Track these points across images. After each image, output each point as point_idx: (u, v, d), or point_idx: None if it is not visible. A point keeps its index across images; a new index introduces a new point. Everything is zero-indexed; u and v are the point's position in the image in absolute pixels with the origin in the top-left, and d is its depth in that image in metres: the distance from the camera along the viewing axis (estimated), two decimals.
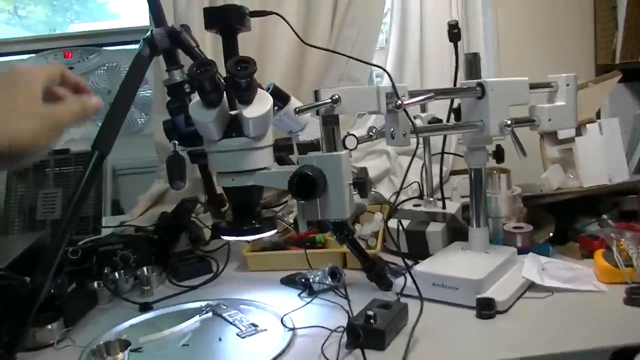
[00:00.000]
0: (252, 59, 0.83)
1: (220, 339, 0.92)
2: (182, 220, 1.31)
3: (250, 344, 0.89)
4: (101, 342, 0.87)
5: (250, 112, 0.85)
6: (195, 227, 1.39)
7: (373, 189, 1.56)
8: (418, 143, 0.92)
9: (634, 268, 0.98)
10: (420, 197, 1.45)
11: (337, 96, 0.85)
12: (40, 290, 0.86)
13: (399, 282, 1.03)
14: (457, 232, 1.23)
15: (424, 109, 1.31)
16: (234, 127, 0.88)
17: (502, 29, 1.80)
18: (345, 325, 0.85)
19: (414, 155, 0.94)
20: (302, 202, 0.88)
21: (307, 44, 1.02)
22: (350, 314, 0.91)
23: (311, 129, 1.14)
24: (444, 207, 1.33)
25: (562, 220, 1.25)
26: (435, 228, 1.22)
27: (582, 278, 1.02)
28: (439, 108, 1.25)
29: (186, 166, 1.07)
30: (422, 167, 1.37)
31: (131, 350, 0.86)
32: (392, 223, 1.20)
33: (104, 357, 0.85)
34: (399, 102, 0.86)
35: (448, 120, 1.22)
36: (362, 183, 0.87)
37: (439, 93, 0.96)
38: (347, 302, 0.97)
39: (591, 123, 1.29)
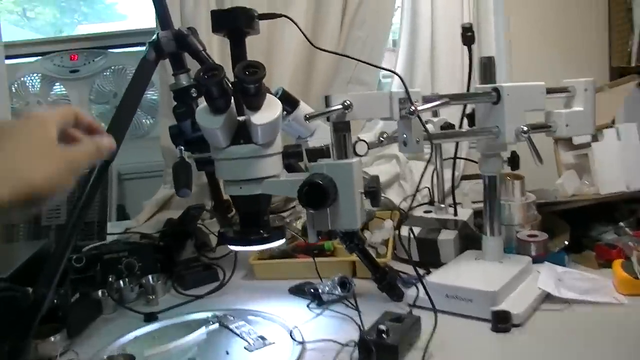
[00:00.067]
0: (261, 63, 0.80)
1: (227, 353, 0.89)
2: (188, 227, 1.28)
3: (258, 358, 0.86)
4: (105, 358, 0.85)
5: (259, 118, 0.82)
6: (202, 234, 1.37)
7: (382, 195, 1.53)
8: (432, 150, 0.89)
9: None
10: (431, 203, 1.42)
11: (348, 102, 0.82)
12: (43, 302, 0.84)
13: (410, 293, 1.01)
14: (469, 240, 1.20)
15: (435, 113, 1.28)
16: (242, 133, 0.85)
17: (514, 31, 1.76)
18: (356, 339, 0.83)
19: (428, 162, 0.92)
20: (312, 211, 0.85)
21: (317, 48, 0.99)
22: (361, 327, 0.88)
23: (320, 135, 1.11)
24: (455, 213, 1.30)
25: (576, 228, 1.22)
26: (447, 236, 1.19)
27: (600, 289, 0.99)
28: (451, 112, 1.22)
29: (192, 172, 1.05)
30: (433, 172, 1.34)
31: None
32: (403, 230, 1.17)
33: None
34: (413, 108, 0.84)
35: (461, 126, 1.19)
36: (374, 192, 0.84)
37: (454, 98, 0.93)
38: (357, 314, 0.94)
39: (608, 128, 1.25)
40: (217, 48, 1.54)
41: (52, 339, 0.92)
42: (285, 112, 1.06)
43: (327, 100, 0.84)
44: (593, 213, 1.24)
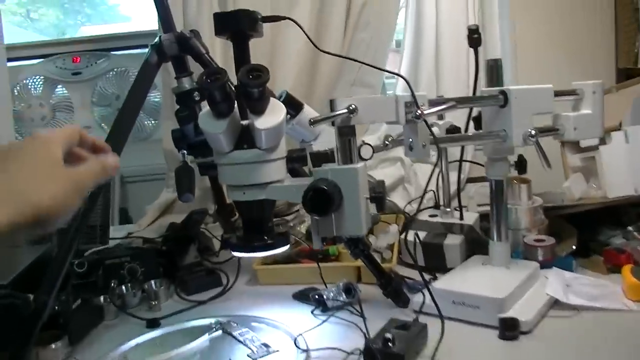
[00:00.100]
0: (264, 67, 0.79)
1: None
2: (191, 231, 1.27)
3: None
4: None
5: (263, 122, 0.81)
6: (205, 238, 1.36)
7: (387, 198, 1.51)
8: (439, 155, 0.87)
9: None
10: (436, 206, 1.40)
11: (353, 106, 0.81)
12: (44, 309, 0.83)
13: (416, 299, 0.99)
14: (475, 244, 1.19)
15: (441, 116, 1.27)
16: (245, 138, 0.83)
17: (519, 32, 1.75)
18: (361, 347, 0.81)
19: (435, 166, 0.90)
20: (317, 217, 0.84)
21: (322, 51, 0.98)
22: (367, 335, 0.86)
23: (325, 138, 1.10)
24: (461, 217, 1.28)
25: (584, 232, 1.21)
26: (453, 240, 1.17)
27: (609, 295, 0.97)
28: (457, 115, 1.20)
29: (195, 177, 1.04)
30: (439, 175, 1.33)
31: None
32: (408, 235, 1.15)
33: None
34: (419, 112, 0.82)
35: (467, 129, 1.17)
36: (379, 198, 0.83)
37: (461, 102, 0.91)
38: (362, 321, 0.93)
39: (616, 131, 1.24)
40: (220, 51, 1.53)
41: (53, 346, 0.91)
42: (289, 116, 1.05)
43: (331, 104, 0.82)
44: (601, 217, 1.23)
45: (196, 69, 1.09)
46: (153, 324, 1.03)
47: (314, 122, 0.80)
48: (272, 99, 0.84)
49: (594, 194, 1.26)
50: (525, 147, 0.94)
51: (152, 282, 1.16)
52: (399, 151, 1.59)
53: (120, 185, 1.89)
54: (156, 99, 2.07)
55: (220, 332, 0.97)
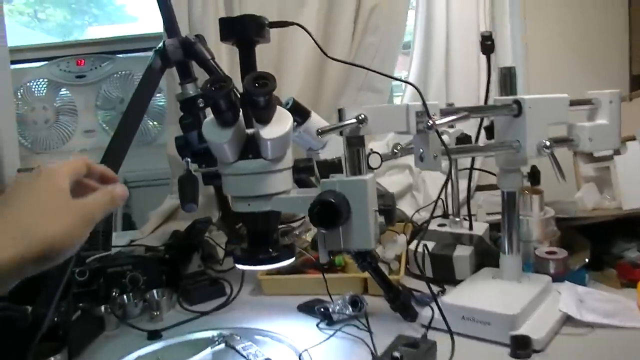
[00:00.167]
0: (271, 75, 0.76)
1: None
2: (194, 240, 1.24)
3: None
4: None
5: (269, 132, 0.78)
6: (208, 246, 1.33)
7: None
8: (450, 166, 0.84)
9: None
10: (445, 215, 1.37)
11: (363, 116, 0.78)
12: (42, 321, 0.80)
13: (425, 313, 0.96)
14: (485, 255, 1.16)
15: (451, 124, 1.24)
16: (250, 147, 0.81)
17: (530, 38, 1.71)
18: None
19: (448, 178, 0.87)
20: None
21: (330, 58, 0.95)
22: (374, 352, 0.84)
23: (333, 147, 1.07)
24: (470, 227, 1.25)
25: (597, 244, 1.17)
26: (462, 252, 1.14)
27: (624, 312, 0.94)
28: (467, 122, 1.17)
29: (199, 185, 1.01)
30: (448, 184, 1.30)
31: None
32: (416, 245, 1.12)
33: None
34: (430, 122, 0.79)
35: (477, 137, 1.14)
36: (389, 211, 0.80)
37: (473, 111, 0.88)
38: (369, 335, 0.90)
39: (632, 140, 1.20)
40: (225, 56, 1.50)
41: (52, 359, 0.88)
42: (295, 123, 1.02)
43: (340, 114, 0.79)
44: (614, 229, 1.20)
45: (201, 74, 1.06)
46: (154, 335, 1.00)
47: (321, 133, 0.77)
48: (278, 107, 0.82)
49: (608, 205, 1.23)
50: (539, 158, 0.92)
51: (154, 291, 1.14)
52: (408, 158, 1.56)
53: None
54: (161, 102, 2.05)
55: (223, 345, 0.95)
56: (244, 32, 0.88)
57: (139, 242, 1.42)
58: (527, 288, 0.97)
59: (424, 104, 0.81)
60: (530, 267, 1.11)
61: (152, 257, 1.27)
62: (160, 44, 1.02)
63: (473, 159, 1.28)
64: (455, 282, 1.09)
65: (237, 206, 0.84)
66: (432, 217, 0.90)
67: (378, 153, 0.91)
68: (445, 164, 0.86)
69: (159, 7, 1.06)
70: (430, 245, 1.18)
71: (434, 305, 0.93)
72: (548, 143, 0.89)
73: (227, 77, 0.78)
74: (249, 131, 0.82)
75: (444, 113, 0.84)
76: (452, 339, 0.85)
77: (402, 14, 1.66)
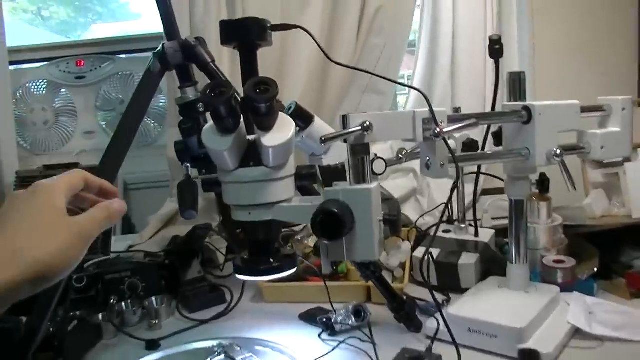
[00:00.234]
0: (273, 80, 0.73)
1: None
2: (194, 246, 1.22)
3: None
4: None
5: (270, 139, 0.75)
6: (208, 251, 1.31)
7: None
8: (458, 174, 0.82)
9: None
10: (450, 221, 1.35)
11: (368, 123, 0.76)
12: (36, 333, 0.78)
13: (430, 324, 0.94)
14: (491, 263, 1.14)
15: None
16: (251, 154, 0.78)
17: (538, 38, 1.68)
18: None
19: (456, 183, 0.84)
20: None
21: (334, 62, 0.92)
22: None
23: (336, 152, 1.04)
24: (476, 234, 1.22)
25: (605, 253, 1.15)
26: (468, 260, 1.12)
27: (635, 325, 0.92)
28: None
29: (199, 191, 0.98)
30: (453, 189, 1.27)
31: None
32: (420, 252, 1.10)
33: None
34: (438, 130, 0.77)
35: (484, 143, 1.12)
36: (394, 221, 0.77)
37: (481, 118, 0.86)
38: (372, 347, 0.88)
39: None
40: (227, 60, 1.47)
41: None
42: (298, 129, 1.00)
43: (344, 121, 0.77)
44: (623, 236, 1.17)
45: (202, 78, 1.04)
46: (153, 345, 0.98)
47: (325, 141, 0.75)
48: (280, 113, 0.79)
49: (617, 212, 1.21)
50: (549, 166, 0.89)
51: (153, 299, 1.12)
52: (412, 162, 1.54)
53: (124, 192, 1.85)
54: (161, 104, 2.03)
55: (222, 356, 0.92)
56: (246, 35, 0.85)
57: (138, 248, 1.40)
58: (535, 299, 0.95)
59: (431, 110, 0.78)
60: (537, 276, 1.09)
61: (152, 264, 1.24)
62: (160, 47, 1.00)
63: (479, 165, 1.25)
64: (460, 291, 1.06)
65: (237, 215, 0.81)
66: (439, 223, 0.87)
67: (383, 158, 0.89)
68: (452, 170, 0.84)
69: (159, 8, 1.04)
70: (435, 252, 1.15)
71: (439, 316, 0.91)
72: (559, 151, 0.86)
73: (227, 83, 0.75)
74: (250, 137, 0.79)
75: (452, 120, 0.81)
76: (458, 352, 0.82)
77: (407, 15, 1.63)
